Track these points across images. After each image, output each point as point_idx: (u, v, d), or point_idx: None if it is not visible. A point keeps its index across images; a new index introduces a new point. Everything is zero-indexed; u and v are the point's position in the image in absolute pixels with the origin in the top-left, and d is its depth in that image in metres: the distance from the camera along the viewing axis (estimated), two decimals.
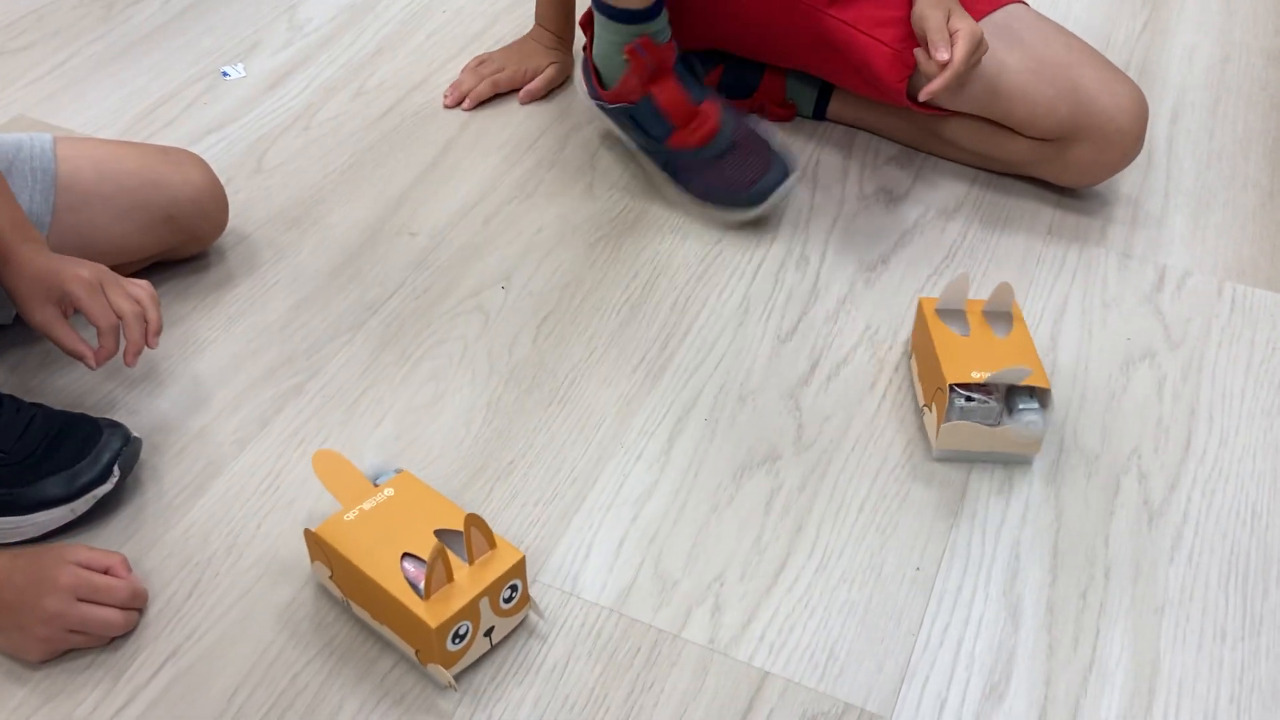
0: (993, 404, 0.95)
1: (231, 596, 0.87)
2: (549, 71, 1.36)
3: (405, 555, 0.82)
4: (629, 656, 0.85)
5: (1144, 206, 1.27)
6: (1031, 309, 1.14)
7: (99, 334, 0.90)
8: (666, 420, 1.02)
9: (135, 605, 0.84)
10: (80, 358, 0.90)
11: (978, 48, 1.09)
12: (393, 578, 0.80)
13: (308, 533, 0.84)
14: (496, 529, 0.93)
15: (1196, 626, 0.88)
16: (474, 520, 0.79)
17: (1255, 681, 0.85)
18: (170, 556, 0.90)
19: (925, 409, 1.00)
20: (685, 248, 1.19)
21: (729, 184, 1.17)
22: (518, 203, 1.23)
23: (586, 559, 0.91)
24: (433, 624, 0.77)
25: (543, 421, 1.02)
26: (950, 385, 0.94)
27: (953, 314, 1.02)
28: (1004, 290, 1.01)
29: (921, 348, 1.02)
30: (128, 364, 0.91)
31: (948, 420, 0.95)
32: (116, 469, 0.90)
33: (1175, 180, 1.30)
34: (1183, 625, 0.88)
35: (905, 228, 1.23)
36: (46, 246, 0.92)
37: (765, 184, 1.16)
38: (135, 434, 0.93)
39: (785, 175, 1.17)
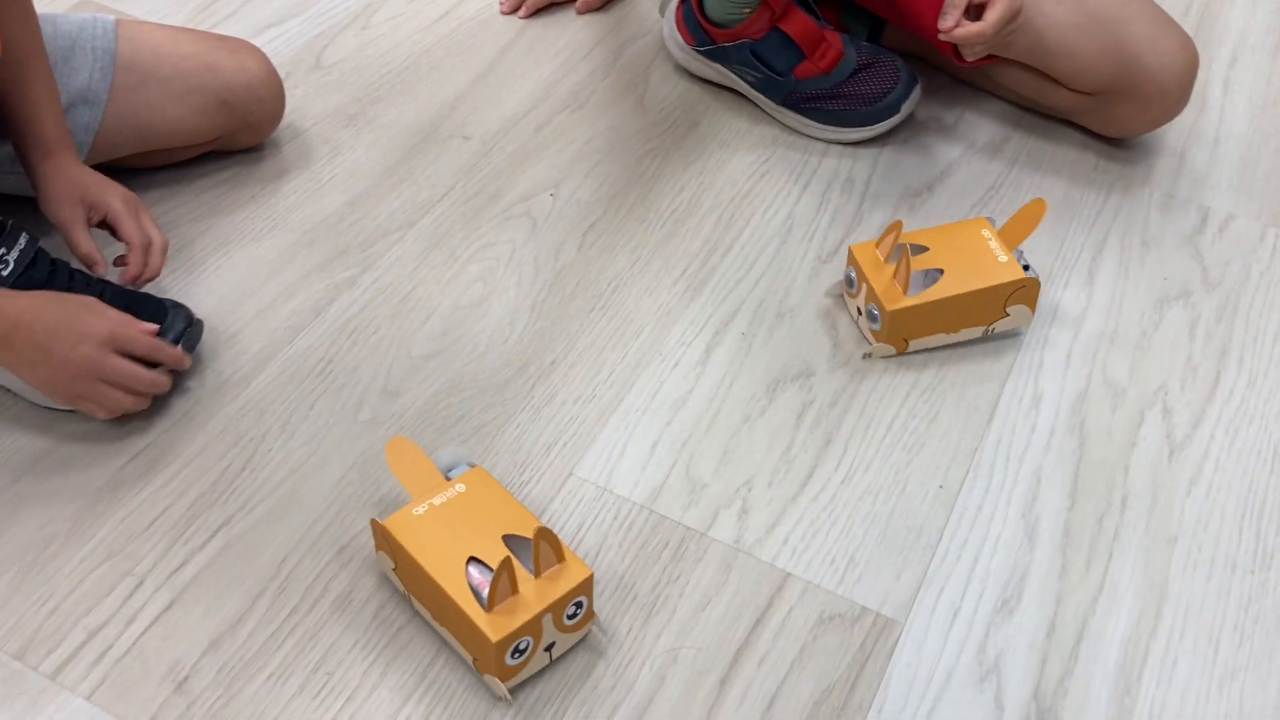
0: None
1: (283, 472, 0.92)
2: None
3: (471, 559, 0.79)
4: (657, 550, 0.89)
5: (1193, 149, 1.26)
6: (1071, 245, 1.15)
7: (129, 250, 0.95)
8: (705, 332, 1.05)
9: (159, 357, 0.90)
10: (90, 264, 0.95)
11: (1015, 17, 1.04)
12: (457, 583, 0.77)
13: (374, 523, 0.81)
14: (536, 425, 0.97)
15: (1208, 557, 0.91)
16: (544, 534, 0.76)
17: (1261, 612, 0.88)
18: (225, 432, 0.94)
19: (994, 326, 1.03)
20: (733, 165, 1.21)
21: (859, 102, 1.19)
22: (569, 112, 1.25)
23: (621, 457, 0.95)
24: (494, 638, 0.75)
25: (584, 326, 1.05)
26: (1025, 281, 1.00)
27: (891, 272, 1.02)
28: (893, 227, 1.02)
29: (936, 312, 1.01)
30: (136, 286, 0.96)
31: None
32: (181, 349, 0.94)
33: (1228, 124, 1.30)
34: (1194, 555, 0.91)
35: (952, 158, 1.23)
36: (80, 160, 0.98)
37: (895, 95, 1.19)
38: (197, 316, 0.97)
39: (912, 85, 1.20)
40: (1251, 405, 1.02)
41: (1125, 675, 0.83)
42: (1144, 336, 1.07)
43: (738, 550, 0.89)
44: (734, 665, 0.83)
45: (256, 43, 1.27)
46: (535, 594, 0.77)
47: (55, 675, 0.80)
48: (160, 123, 1.07)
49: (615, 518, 0.91)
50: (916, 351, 1.04)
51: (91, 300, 0.89)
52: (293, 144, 1.20)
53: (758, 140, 1.23)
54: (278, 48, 1.29)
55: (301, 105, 1.23)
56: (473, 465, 0.86)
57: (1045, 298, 1.08)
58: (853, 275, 1.04)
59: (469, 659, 0.79)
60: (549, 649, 0.79)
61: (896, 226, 1.00)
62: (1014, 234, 1.04)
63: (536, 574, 0.78)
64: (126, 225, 0.95)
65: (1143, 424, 1.00)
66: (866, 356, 1.03)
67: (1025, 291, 1.02)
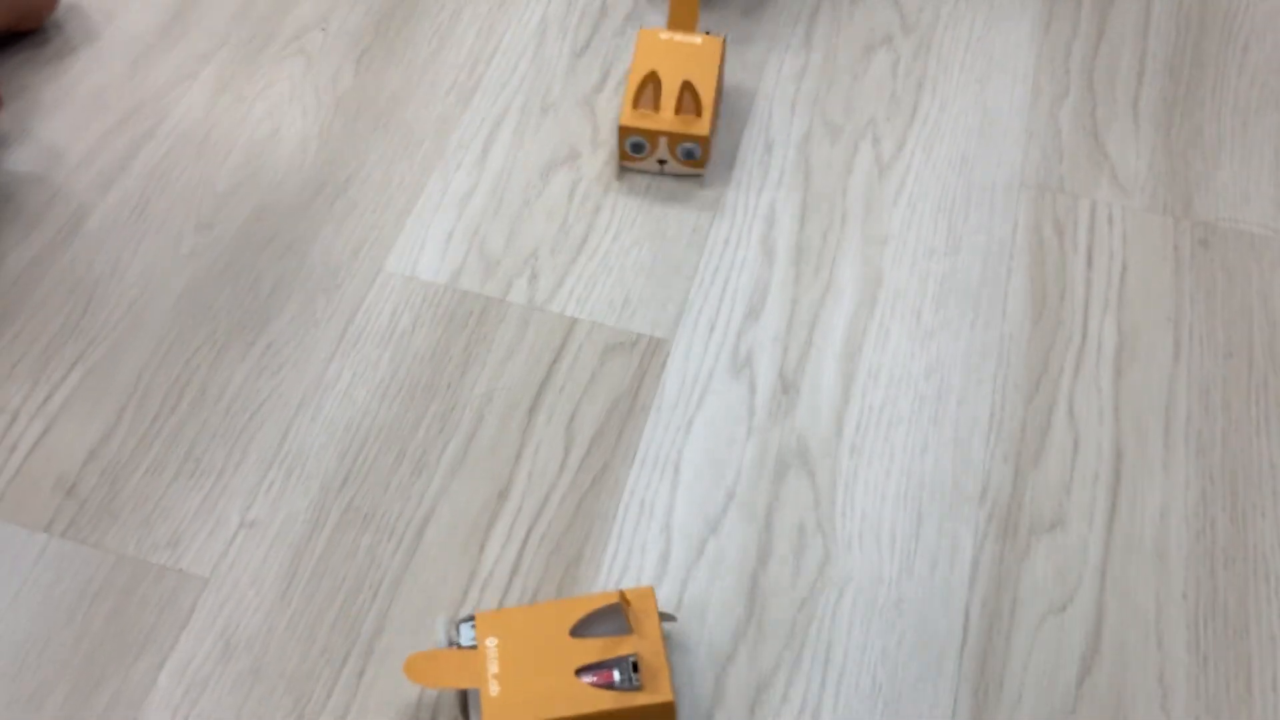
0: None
1: (122, 308, 1.04)
2: None
3: (577, 672, 0.77)
4: (464, 319, 1.05)
5: None
6: (788, 15, 1.31)
7: None
8: (480, 133, 1.19)
9: None
10: None
11: None
12: (596, 700, 0.75)
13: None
14: (342, 235, 1.10)
15: (911, 250, 1.12)
16: (621, 596, 0.78)
17: (953, 285, 1.09)
18: (61, 283, 1.05)
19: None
20: None
21: None
22: None
23: (422, 249, 1.09)
24: (670, 698, 0.76)
25: (371, 144, 1.17)
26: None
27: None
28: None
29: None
30: None
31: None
32: None
33: None
34: (901, 250, 1.11)
35: None
36: None
37: None
38: None
39: None
40: (943, 125, 1.22)
41: (849, 348, 1.04)
42: (855, 80, 1.25)
43: (532, 308, 1.06)
44: (538, 396, 1.00)
45: None
46: (645, 639, 0.79)
47: None
48: None
49: (424, 299, 1.06)
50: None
51: None
52: (71, 21, 1.26)
53: None
54: None
55: None
56: (471, 616, 0.81)
57: (770, 63, 1.25)
58: None
59: None
60: None
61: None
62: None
63: (633, 630, 0.79)
64: None
65: (857, 153, 1.19)
66: None
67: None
